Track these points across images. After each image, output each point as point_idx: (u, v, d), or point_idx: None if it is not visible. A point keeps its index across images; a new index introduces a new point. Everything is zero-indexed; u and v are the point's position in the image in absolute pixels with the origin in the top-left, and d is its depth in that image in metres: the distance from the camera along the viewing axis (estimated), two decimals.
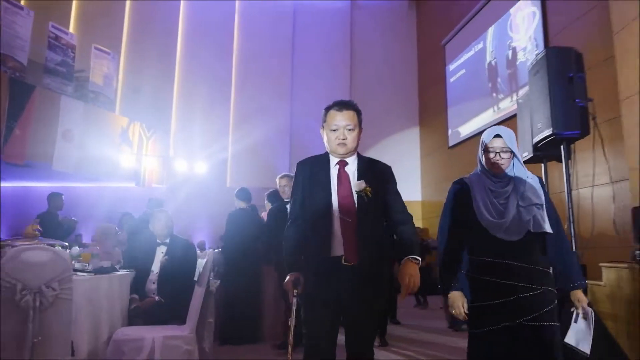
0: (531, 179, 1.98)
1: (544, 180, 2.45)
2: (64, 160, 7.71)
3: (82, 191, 9.25)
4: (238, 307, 4.09)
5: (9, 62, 7.34)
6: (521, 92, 7.08)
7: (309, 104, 11.14)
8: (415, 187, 11.03)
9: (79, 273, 2.52)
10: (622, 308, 3.01)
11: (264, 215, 4.58)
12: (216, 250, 4.68)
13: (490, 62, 8.30)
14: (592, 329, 1.91)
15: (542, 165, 3.65)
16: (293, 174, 4.02)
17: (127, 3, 11.11)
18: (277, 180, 4.21)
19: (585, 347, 1.93)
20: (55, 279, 1.86)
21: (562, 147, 3.04)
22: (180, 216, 8.12)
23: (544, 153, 3.29)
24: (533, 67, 3.01)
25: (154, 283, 2.82)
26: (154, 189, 9.72)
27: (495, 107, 8.05)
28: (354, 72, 11.46)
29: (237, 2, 11.68)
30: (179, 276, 2.77)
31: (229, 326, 4.09)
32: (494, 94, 8.10)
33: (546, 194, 1.99)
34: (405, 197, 2.04)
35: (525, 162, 3.28)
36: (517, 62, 7.40)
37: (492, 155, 1.95)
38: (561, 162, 3.12)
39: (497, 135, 1.96)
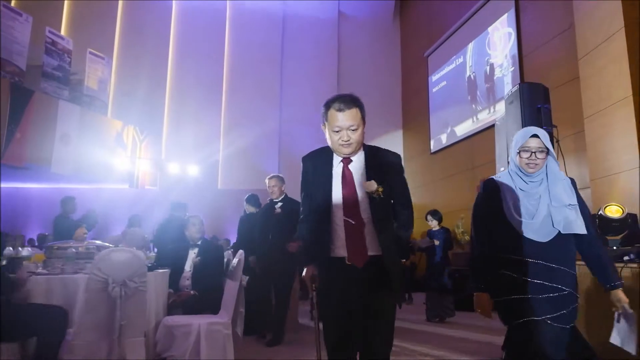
0: (564, 179, 1.95)
1: None
2: (62, 163, 7.94)
3: (77, 193, 9.45)
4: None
5: (8, 67, 7.52)
6: (498, 106, 7.71)
7: (297, 110, 11.61)
8: None
9: None
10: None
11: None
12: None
13: (469, 76, 8.93)
14: (634, 329, 1.88)
15: None
16: (282, 175, 4.42)
17: (119, 5, 11.27)
18: (266, 181, 4.38)
19: (630, 347, 1.90)
20: (135, 274, 2.28)
21: None
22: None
23: None
24: (509, 97, 3.58)
25: (187, 279, 3.27)
26: (147, 191, 9.99)
27: (474, 118, 8.69)
28: (340, 80, 11.96)
29: (228, 9, 12.02)
30: (210, 273, 3.23)
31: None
32: (473, 106, 8.73)
33: (578, 195, 1.96)
34: None
35: None
36: (495, 78, 8.04)
37: (527, 155, 1.92)
38: None
39: (534, 135, 1.93)
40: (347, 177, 1.88)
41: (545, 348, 1.80)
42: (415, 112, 11.56)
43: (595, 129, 4.78)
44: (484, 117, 8.29)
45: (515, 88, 3.43)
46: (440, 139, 9.99)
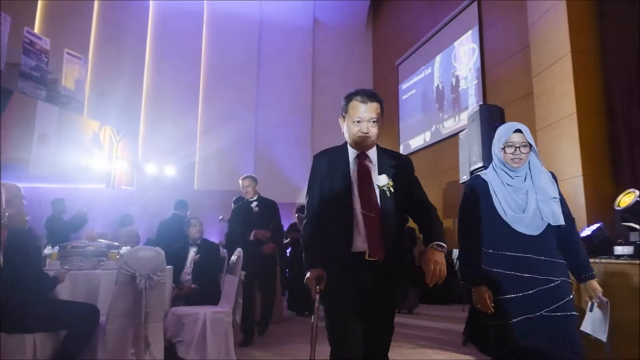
0: (546, 173, 2.00)
1: None
2: (39, 163, 7.99)
3: (56, 193, 9.45)
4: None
5: None
6: (462, 115, 8.35)
7: (273, 113, 11.96)
8: None
9: None
10: None
11: None
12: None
13: (437, 86, 9.56)
14: (607, 318, 1.93)
15: None
16: (255, 176, 4.71)
17: (95, 5, 11.23)
18: (240, 181, 4.50)
19: (602, 335, 1.94)
20: (157, 268, 2.62)
21: None
22: (148, 217, 8.64)
23: None
24: (471, 115, 4.13)
25: (188, 275, 3.64)
26: (123, 191, 10.08)
27: (441, 125, 9.31)
28: (315, 85, 12.39)
29: (205, 12, 12.17)
30: (209, 269, 3.63)
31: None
32: (440, 114, 9.36)
33: (558, 188, 2.01)
34: None
35: (463, 183, 4.36)
36: (460, 89, 8.67)
37: (512, 150, 1.96)
38: None
39: (517, 130, 1.98)
40: (364, 172, 1.89)
41: (543, 342, 1.82)
42: (385, 117, 12.02)
43: (546, 141, 5.41)
44: (450, 125, 8.92)
45: (476, 108, 3.98)
46: (409, 144, 10.59)
